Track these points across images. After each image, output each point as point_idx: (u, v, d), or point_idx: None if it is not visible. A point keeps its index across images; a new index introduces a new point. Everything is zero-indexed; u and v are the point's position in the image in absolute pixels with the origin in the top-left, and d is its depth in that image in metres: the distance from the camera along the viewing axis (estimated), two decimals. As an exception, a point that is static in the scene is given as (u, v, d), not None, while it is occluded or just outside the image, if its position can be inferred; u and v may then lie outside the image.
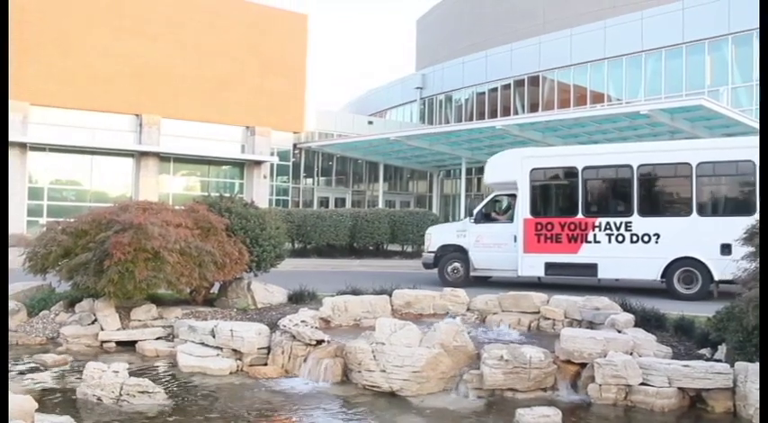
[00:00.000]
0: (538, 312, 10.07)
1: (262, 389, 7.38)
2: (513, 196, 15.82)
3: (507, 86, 40.19)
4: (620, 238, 14.40)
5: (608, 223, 14.55)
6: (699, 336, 8.26)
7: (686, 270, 13.94)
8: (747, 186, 13.71)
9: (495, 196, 16.73)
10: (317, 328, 8.44)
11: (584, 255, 14.69)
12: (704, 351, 7.84)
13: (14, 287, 10.91)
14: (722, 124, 25.15)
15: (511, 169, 15.66)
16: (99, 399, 6.60)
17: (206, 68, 32.64)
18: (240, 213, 11.47)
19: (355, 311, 10.07)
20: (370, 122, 41.60)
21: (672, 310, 9.91)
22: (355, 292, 10.97)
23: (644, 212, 14.39)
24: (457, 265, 16.29)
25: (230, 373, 7.94)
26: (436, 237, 17.01)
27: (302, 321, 8.31)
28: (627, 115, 25.74)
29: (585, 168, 15.02)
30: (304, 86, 36.46)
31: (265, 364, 8.10)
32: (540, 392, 6.97)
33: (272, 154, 34.89)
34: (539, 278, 15.34)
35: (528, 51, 38.21)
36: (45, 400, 6.62)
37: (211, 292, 11.30)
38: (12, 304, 10.12)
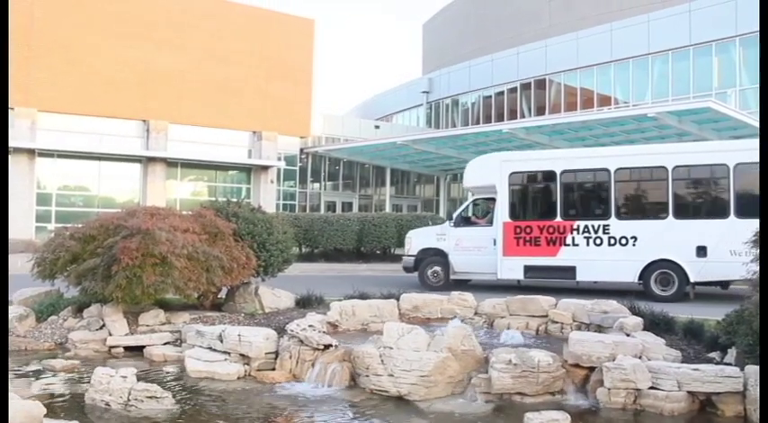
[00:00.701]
0: (546, 316, 10.03)
1: (270, 394, 7.37)
2: (493, 200, 15.99)
3: (514, 90, 40.17)
4: (598, 241, 14.64)
5: (586, 226, 14.78)
6: (708, 339, 8.20)
7: (663, 272, 14.19)
8: (722, 189, 14.04)
9: (475, 200, 16.99)
10: (324, 332, 8.43)
11: (562, 258, 14.90)
12: (714, 354, 7.79)
13: (23, 293, 10.96)
14: (730, 126, 25.07)
15: (490, 173, 15.85)
16: (107, 404, 6.61)
17: (213, 73, 32.73)
18: (247, 218, 11.48)
19: (363, 316, 10.06)
20: (377, 127, 41.62)
21: (681, 313, 9.85)
22: (363, 297, 10.97)
23: (621, 215, 14.67)
24: (437, 268, 16.39)
25: (238, 377, 7.94)
26: (416, 240, 17.09)
27: (310, 326, 8.31)
28: (634, 118, 25.68)
29: (564, 172, 15.23)
30: (310, 91, 36.55)
31: (273, 369, 8.08)
32: (548, 396, 6.94)
33: (278, 159, 34.96)
34: (518, 281, 15.44)
35: (534, 55, 38.18)
36: (53, 405, 6.63)
37: (219, 296, 11.31)
38: (20, 309, 10.15)
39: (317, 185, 39.25)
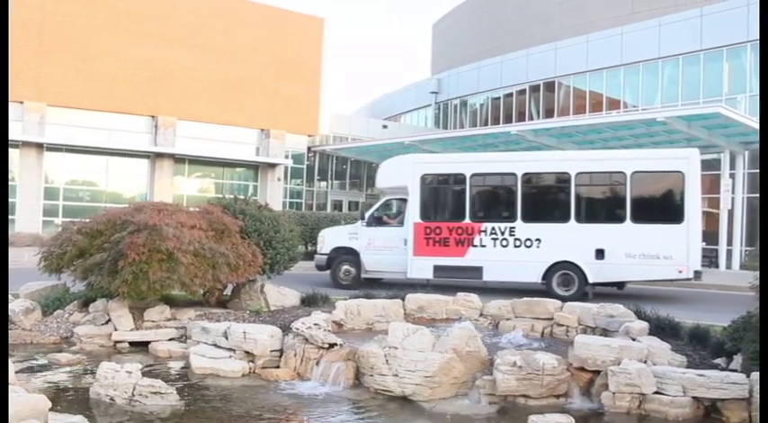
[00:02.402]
0: (551, 319, 10.01)
1: (274, 391, 7.38)
2: (405, 201, 16.21)
3: (523, 92, 40.08)
4: (504, 243, 15.16)
5: (493, 228, 15.29)
6: (714, 345, 8.17)
7: (564, 273, 14.82)
8: (619, 196, 14.79)
9: (387, 200, 17.18)
10: (329, 331, 8.42)
11: (470, 258, 15.34)
12: (719, 360, 7.77)
13: (29, 286, 10.99)
14: (740, 132, 24.96)
15: (402, 174, 16.16)
16: (112, 399, 6.63)
17: (222, 71, 32.78)
18: (254, 215, 11.49)
19: (368, 315, 10.06)
20: (385, 126, 41.61)
21: (686, 318, 9.82)
22: (368, 296, 10.97)
23: (527, 219, 15.16)
24: (348, 267, 16.47)
25: (242, 375, 7.95)
26: (329, 239, 17.19)
27: (315, 324, 8.31)
28: (643, 122, 25.57)
29: (473, 175, 15.70)
30: (319, 90, 36.56)
31: (278, 367, 8.09)
32: (552, 399, 6.93)
33: (286, 157, 34.98)
34: (427, 280, 15.54)
35: (544, 57, 38.08)
36: (58, 399, 6.66)
37: (224, 293, 11.32)
38: (27, 303, 10.19)
39: (323, 184, 39.27)
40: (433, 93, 46.32)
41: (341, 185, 40.46)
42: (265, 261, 11.21)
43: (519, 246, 15.04)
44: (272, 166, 34.58)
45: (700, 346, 8.48)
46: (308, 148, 37.11)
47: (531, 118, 38.64)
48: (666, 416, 6.43)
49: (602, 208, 15.40)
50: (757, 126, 24.04)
